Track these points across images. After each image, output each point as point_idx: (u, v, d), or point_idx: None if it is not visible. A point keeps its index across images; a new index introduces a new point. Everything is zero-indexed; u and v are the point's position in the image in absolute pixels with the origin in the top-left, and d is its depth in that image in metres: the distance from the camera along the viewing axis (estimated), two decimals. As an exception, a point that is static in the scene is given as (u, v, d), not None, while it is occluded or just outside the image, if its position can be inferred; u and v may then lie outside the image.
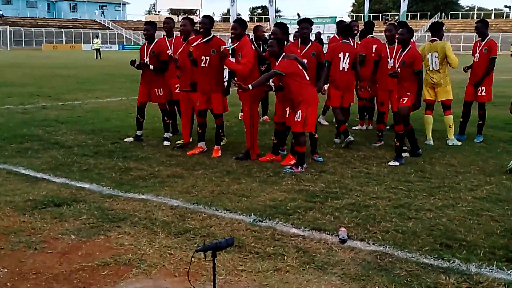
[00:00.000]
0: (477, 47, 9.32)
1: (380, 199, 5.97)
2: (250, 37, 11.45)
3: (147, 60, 8.81)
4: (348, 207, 5.66)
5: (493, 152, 8.52)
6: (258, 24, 13.66)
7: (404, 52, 7.81)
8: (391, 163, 7.65)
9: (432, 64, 8.96)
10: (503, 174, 7.12)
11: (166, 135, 9.03)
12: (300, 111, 7.13)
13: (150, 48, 8.80)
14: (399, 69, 7.80)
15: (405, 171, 7.23)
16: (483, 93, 9.35)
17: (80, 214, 5.36)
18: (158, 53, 8.78)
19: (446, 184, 6.64)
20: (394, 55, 8.08)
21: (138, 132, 9.14)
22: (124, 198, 5.91)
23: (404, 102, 7.77)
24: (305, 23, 8.08)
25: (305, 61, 7.54)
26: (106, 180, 6.65)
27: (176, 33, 9.10)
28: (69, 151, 8.22)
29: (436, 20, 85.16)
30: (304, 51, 7.93)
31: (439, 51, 8.84)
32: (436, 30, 9.13)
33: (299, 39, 8.13)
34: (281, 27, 7.74)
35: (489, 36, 9.33)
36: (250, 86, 7.08)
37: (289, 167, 7.34)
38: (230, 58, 7.95)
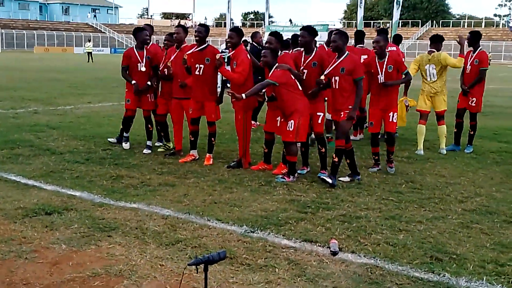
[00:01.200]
0: (469, 58, 9.38)
1: (371, 210, 6.00)
2: (250, 43, 11.48)
3: (142, 65, 8.79)
4: (339, 218, 5.68)
5: (482, 163, 8.59)
6: (256, 30, 13.69)
7: (340, 60, 7.03)
8: (323, 176, 7.16)
9: (430, 75, 9.03)
10: (493, 186, 7.18)
11: (148, 143, 9.02)
12: (292, 121, 7.15)
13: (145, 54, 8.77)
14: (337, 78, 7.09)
15: (396, 182, 7.27)
16: (473, 104, 9.42)
17: (71, 223, 5.35)
18: (152, 57, 8.80)
19: (436, 195, 6.68)
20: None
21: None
22: (116, 207, 5.90)
23: (342, 116, 7.13)
24: (302, 31, 7.45)
25: (306, 71, 7.35)
26: (97, 188, 6.64)
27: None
28: (60, 157, 8.19)
29: (427, 28, 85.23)
30: (305, 61, 7.40)
31: (437, 64, 8.91)
32: (436, 42, 9.17)
33: (303, 48, 7.52)
34: (276, 36, 7.75)
35: (480, 47, 9.39)
36: (243, 95, 7.10)
37: (280, 176, 7.36)
38: (226, 67, 7.96)
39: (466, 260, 4.64)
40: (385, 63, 7.68)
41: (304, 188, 6.90)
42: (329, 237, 5.09)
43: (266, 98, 7.46)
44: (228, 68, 7.95)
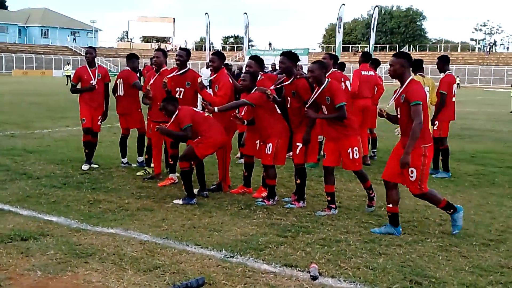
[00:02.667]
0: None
1: (351, 234, 5.99)
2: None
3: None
4: (319, 242, 5.66)
5: (460, 186, 8.66)
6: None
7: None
8: (175, 201, 7.18)
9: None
10: (471, 209, 7.23)
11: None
12: (270, 144, 7.15)
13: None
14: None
15: (375, 205, 7.28)
16: (435, 128, 9.34)
17: (47, 249, 5.25)
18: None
19: (415, 219, 6.71)
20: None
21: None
22: (93, 232, 5.81)
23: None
24: (282, 57, 7.20)
25: (289, 99, 7.16)
26: (74, 213, 6.54)
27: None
28: (37, 182, 8.08)
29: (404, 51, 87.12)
30: (286, 88, 7.21)
31: (431, 86, 9.03)
32: (420, 67, 9.24)
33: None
34: (256, 60, 7.76)
35: (448, 71, 9.44)
36: (216, 108, 7.13)
37: (260, 199, 7.34)
38: (208, 90, 7.96)
39: (445, 284, 4.65)
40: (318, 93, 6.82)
41: (284, 211, 6.88)
42: (309, 261, 5.06)
43: (245, 122, 7.45)
44: (210, 91, 7.97)
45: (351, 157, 6.71)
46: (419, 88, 5.92)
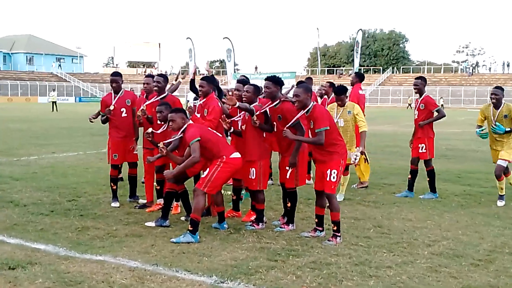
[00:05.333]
0: (416, 104, 9.60)
1: (341, 256, 5.99)
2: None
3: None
4: (309, 265, 5.65)
5: (448, 207, 8.72)
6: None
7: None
8: (147, 223, 7.27)
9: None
10: (459, 229, 7.27)
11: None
12: (253, 169, 7.16)
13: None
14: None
15: (364, 227, 7.31)
16: (423, 150, 9.42)
17: (35, 278, 5.18)
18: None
19: (404, 240, 6.73)
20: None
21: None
22: (81, 260, 5.76)
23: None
24: (266, 81, 7.14)
25: (275, 124, 7.14)
26: (62, 240, 6.48)
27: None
28: (24, 209, 8.00)
29: (389, 74, 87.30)
30: (271, 113, 7.16)
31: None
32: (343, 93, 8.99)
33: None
34: (244, 83, 7.75)
35: (425, 93, 9.55)
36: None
37: (249, 223, 7.33)
38: (196, 114, 7.92)
39: (436, 305, 4.65)
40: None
41: (274, 235, 6.87)
42: (300, 285, 5.05)
43: (231, 130, 7.35)
44: (198, 115, 7.97)
45: (327, 178, 6.61)
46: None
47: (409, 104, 66.44)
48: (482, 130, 9.21)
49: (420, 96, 9.54)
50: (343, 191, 9.26)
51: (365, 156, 9.27)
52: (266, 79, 7.21)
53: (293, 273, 5.41)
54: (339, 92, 8.93)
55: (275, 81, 7.16)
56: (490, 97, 8.95)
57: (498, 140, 9.00)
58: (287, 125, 6.88)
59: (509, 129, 8.74)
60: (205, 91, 7.71)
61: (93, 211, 8.04)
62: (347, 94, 9.19)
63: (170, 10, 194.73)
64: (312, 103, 6.75)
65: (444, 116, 9.64)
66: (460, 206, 8.81)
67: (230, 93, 8.19)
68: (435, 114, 9.46)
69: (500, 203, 8.92)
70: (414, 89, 9.65)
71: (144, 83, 8.39)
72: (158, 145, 7.06)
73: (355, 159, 8.42)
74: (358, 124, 8.95)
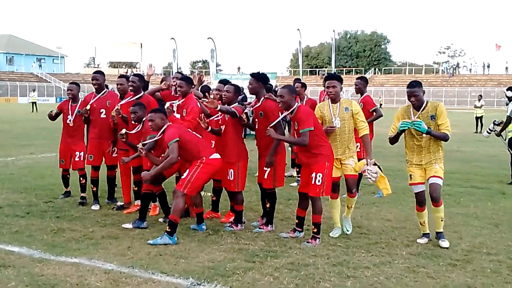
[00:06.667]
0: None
1: (319, 257, 5.96)
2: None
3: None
4: (287, 267, 5.61)
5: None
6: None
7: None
8: (124, 225, 7.22)
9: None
10: (437, 229, 7.27)
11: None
12: (231, 170, 7.11)
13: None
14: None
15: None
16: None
17: (8, 281, 5.09)
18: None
19: (383, 240, 6.72)
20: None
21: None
22: (56, 262, 5.66)
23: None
24: (251, 78, 7.15)
25: (257, 120, 7.12)
26: (37, 242, 6.37)
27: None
28: (-1, 211, 7.87)
29: (371, 75, 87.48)
30: (255, 110, 7.16)
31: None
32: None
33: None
34: (225, 83, 7.70)
35: (366, 93, 9.45)
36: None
37: (228, 224, 7.28)
38: (175, 114, 7.83)
39: (413, 305, 4.64)
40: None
41: (253, 236, 6.82)
42: (278, 286, 5.01)
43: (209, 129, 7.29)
44: (178, 116, 7.88)
45: (312, 181, 6.54)
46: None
47: (380, 104, 67.00)
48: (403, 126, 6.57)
49: (361, 96, 9.49)
50: (349, 216, 7.22)
51: (378, 164, 7.02)
52: (250, 75, 7.21)
53: (271, 275, 5.37)
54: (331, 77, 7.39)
55: (258, 77, 7.14)
56: (409, 99, 6.64)
57: (422, 150, 6.66)
58: (270, 125, 6.83)
59: (430, 129, 6.44)
60: (183, 91, 7.64)
61: (70, 212, 7.92)
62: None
63: (153, 10, 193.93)
64: (296, 104, 6.69)
65: (381, 116, 9.45)
66: (439, 206, 8.80)
67: (212, 95, 8.04)
68: (375, 114, 9.35)
69: (444, 244, 6.54)
70: (355, 89, 9.59)
71: (117, 84, 8.27)
72: (137, 145, 6.97)
73: (375, 176, 6.78)
74: (358, 126, 6.98)
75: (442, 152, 6.70)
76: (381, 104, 67.80)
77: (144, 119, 7.43)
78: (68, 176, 9.07)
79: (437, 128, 6.53)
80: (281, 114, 6.86)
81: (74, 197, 8.99)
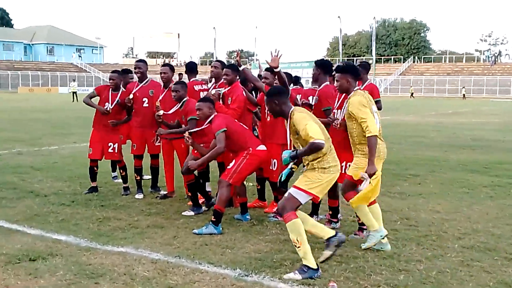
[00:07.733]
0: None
1: (368, 250, 5.80)
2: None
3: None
4: (336, 259, 5.47)
5: (476, 198, 8.46)
6: None
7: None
8: (185, 213, 7.30)
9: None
10: (489, 221, 7.03)
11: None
12: (275, 161, 7.05)
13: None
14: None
15: (390, 219, 7.09)
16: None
17: (56, 270, 5.09)
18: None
19: (433, 232, 6.51)
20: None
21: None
22: (103, 251, 5.65)
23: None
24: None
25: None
26: (83, 231, 6.39)
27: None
28: (45, 200, 7.95)
29: (410, 64, 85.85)
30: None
31: None
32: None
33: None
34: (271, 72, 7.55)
35: (369, 80, 8.08)
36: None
37: (272, 215, 7.17)
38: (220, 102, 7.74)
39: (471, 301, 4.45)
40: None
41: (298, 227, 6.69)
42: (328, 279, 4.88)
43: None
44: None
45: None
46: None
47: (412, 94, 65.99)
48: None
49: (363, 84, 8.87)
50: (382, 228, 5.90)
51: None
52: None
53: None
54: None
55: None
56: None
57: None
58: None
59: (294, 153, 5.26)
60: (229, 79, 7.54)
61: (114, 201, 7.95)
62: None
63: (190, 0, 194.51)
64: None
65: (380, 109, 8.89)
66: (489, 197, 8.54)
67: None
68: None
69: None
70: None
71: (161, 72, 8.22)
72: (184, 135, 6.95)
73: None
74: (362, 125, 5.67)
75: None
76: (412, 93, 66.72)
77: (184, 99, 7.49)
78: (96, 170, 8.63)
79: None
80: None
81: (118, 185, 9.01)
